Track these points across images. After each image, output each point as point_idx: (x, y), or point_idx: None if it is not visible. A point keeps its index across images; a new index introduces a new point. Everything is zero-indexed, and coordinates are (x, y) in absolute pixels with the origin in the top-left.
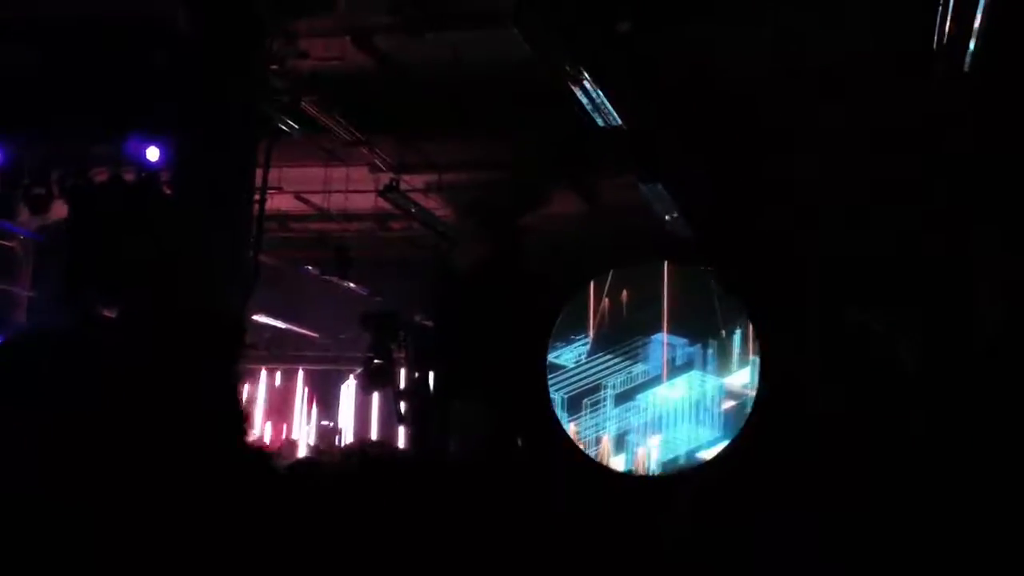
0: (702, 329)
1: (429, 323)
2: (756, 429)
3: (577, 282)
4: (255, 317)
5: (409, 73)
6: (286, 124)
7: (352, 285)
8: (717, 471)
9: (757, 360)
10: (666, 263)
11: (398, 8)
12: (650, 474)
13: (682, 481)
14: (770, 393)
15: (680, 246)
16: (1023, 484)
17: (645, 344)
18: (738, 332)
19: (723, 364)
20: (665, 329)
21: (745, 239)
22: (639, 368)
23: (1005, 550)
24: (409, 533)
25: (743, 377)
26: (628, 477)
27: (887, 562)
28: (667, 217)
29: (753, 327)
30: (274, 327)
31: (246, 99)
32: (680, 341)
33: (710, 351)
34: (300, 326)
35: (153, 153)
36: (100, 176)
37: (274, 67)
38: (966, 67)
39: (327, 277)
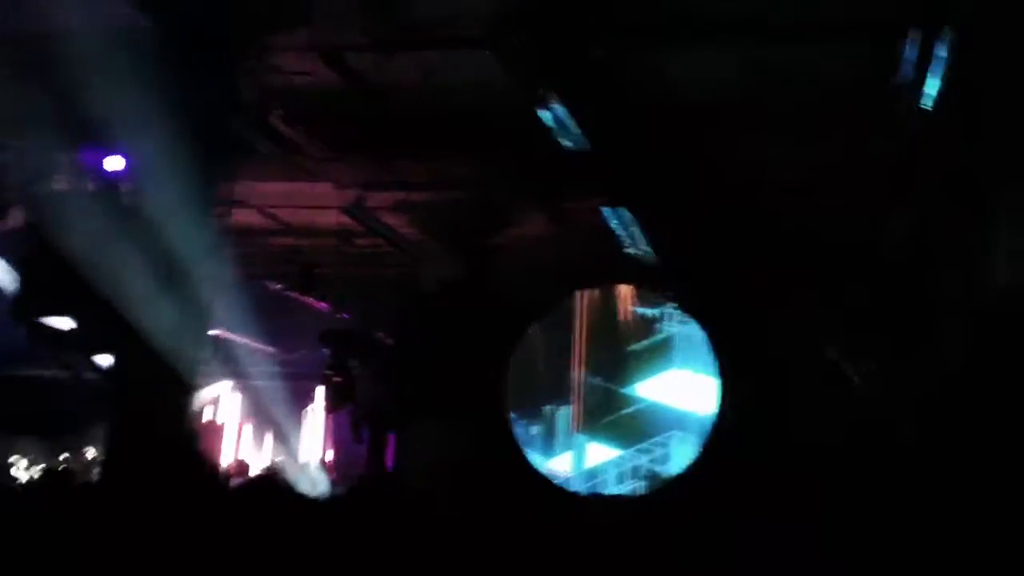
0: (528, 406)
1: (390, 340)
2: (715, 459)
3: (542, 302)
4: (214, 332)
5: (379, 92)
6: (252, 138)
7: (315, 301)
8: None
9: (582, 439)
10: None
11: (369, 27)
12: (618, 496)
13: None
14: (730, 422)
15: (644, 270)
16: (995, 515)
17: None
18: (564, 410)
19: (548, 444)
20: None
21: (709, 266)
22: None
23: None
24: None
25: (565, 461)
26: (592, 499)
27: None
28: (630, 241)
29: (714, 353)
30: (232, 341)
31: (211, 112)
32: None
33: (534, 430)
34: (258, 341)
35: (114, 163)
36: (60, 185)
37: (242, 80)
38: (927, 104)
39: (289, 293)
